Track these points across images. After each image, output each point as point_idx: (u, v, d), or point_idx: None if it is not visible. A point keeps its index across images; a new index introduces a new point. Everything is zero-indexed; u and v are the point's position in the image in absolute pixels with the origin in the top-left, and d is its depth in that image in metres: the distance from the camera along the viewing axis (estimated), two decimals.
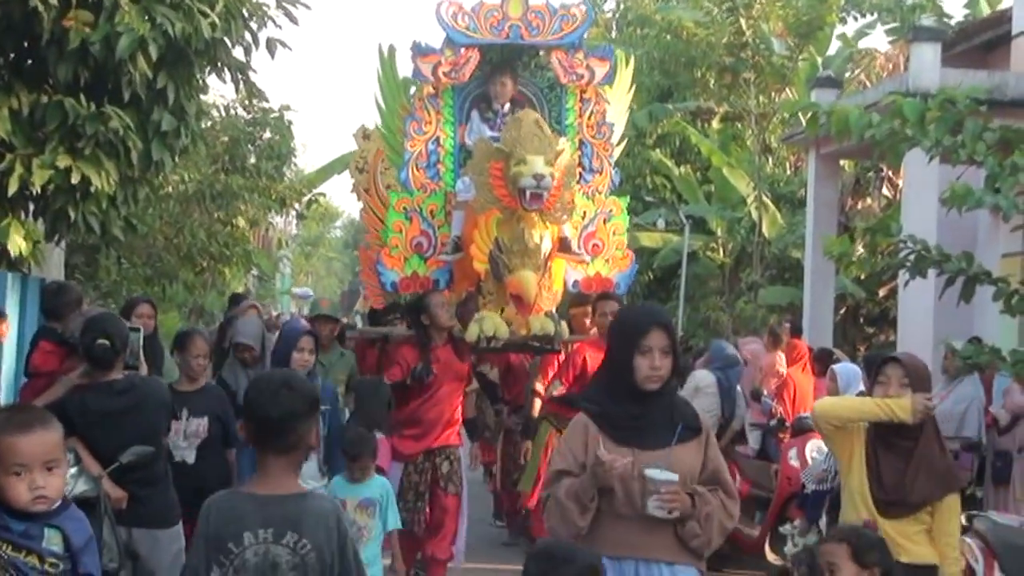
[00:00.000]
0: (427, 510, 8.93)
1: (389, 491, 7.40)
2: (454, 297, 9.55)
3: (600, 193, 9.90)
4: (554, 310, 9.46)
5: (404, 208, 9.61)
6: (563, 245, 9.33)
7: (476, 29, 9.45)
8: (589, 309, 9.96)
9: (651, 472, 4.54)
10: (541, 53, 9.84)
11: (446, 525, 8.93)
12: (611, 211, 9.93)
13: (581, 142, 9.83)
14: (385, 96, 9.96)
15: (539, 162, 8.48)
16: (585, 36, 9.86)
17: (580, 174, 9.66)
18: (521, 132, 8.62)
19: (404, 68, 9.96)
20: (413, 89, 9.98)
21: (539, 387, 9.96)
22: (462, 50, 9.45)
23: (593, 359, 9.25)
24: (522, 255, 8.80)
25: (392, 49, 9.95)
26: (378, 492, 7.30)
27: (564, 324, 9.51)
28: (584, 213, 9.75)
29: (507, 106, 9.65)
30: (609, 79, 9.87)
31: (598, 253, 9.84)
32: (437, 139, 9.66)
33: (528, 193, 8.51)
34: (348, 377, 9.71)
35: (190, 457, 7.37)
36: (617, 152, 10.30)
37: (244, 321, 9.16)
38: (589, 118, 9.84)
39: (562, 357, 9.81)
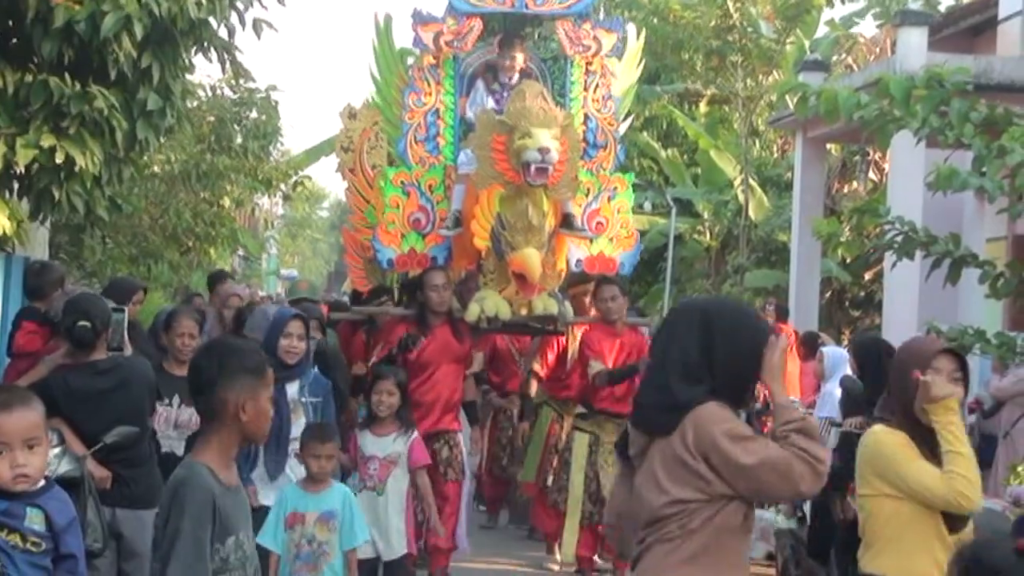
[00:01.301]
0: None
1: (352, 501, 6.64)
2: (452, 275, 9.30)
3: (605, 169, 9.56)
4: (557, 290, 9.22)
5: (402, 182, 9.26)
6: (567, 222, 9.07)
7: None
8: (590, 288, 9.73)
9: None
10: (546, 22, 9.57)
11: (445, 513, 8.55)
12: (616, 188, 9.60)
13: (586, 116, 9.47)
14: (380, 67, 9.66)
15: (544, 135, 8.21)
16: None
17: (584, 149, 9.34)
18: (525, 104, 8.35)
19: (400, 38, 9.81)
20: (411, 59, 9.67)
21: (537, 368, 9.77)
22: (465, 19, 9.10)
23: (604, 342, 9.11)
24: (525, 232, 8.51)
25: (388, 18, 9.67)
26: (340, 503, 6.53)
27: (568, 305, 9.28)
28: (588, 190, 9.43)
29: (515, 78, 9.32)
30: (617, 51, 9.56)
31: (602, 231, 9.53)
32: (437, 111, 9.30)
33: (532, 167, 8.24)
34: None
35: (179, 448, 6.96)
36: (624, 128, 10.02)
37: (258, 312, 8.74)
38: (594, 91, 9.49)
39: (566, 339, 9.60)
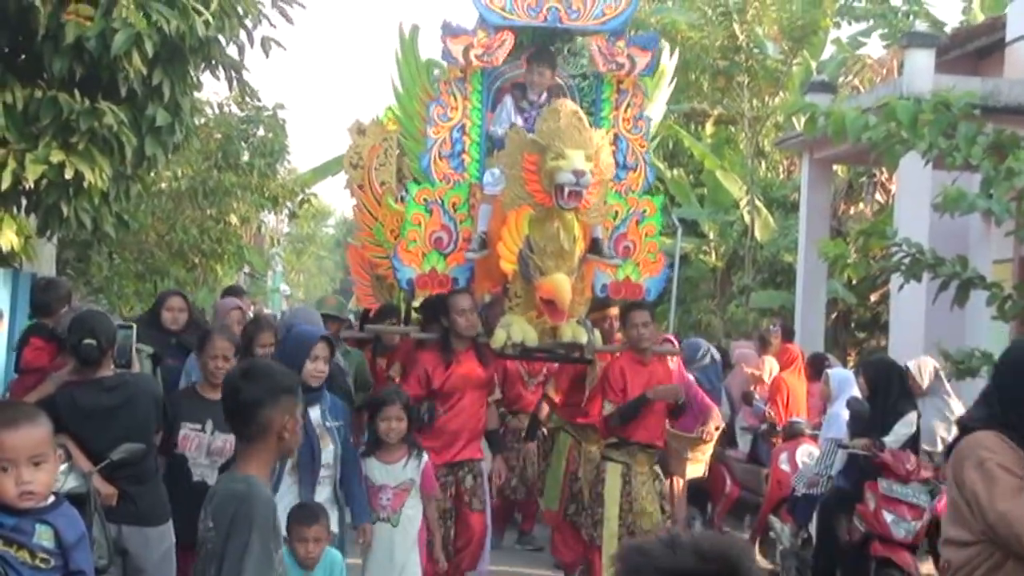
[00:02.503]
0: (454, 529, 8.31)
1: (340, 566, 6.25)
2: (475, 298, 8.85)
3: (634, 192, 9.20)
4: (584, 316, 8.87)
5: (424, 200, 8.87)
6: (595, 247, 8.69)
7: (512, 10, 8.75)
8: (611, 312, 9.46)
9: None
10: (578, 39, 9.20)
11: (472, 544, 8.34)
12: (644, 211, 9.22)
13: (616, 136, 9.11)
14: (404, 78, 9.22)
15: (579, 157, 7.85)
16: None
17: (613, 171, 8.99)
18: (560, 124, 7.97)
19: (424, 50, 9.40)
20: (436, 72, 9.30)
21: (552, 394, 9.51)
22: (495, 32, 8.74)
23: (631, 373, 8.78)
24: (556, 257, 8.17)
25: (415, 28, 9.20)
26: (327, 573, 6.15)
27: (597, 333, 8.92)
28: (616, 213, 9.08)
29: (544, 96, 9.00)
30: (650, 70, 9.19)
31: (628, 256, 9.15)
32: (463, 127, 8.94)
33: (566, 190, 7.89)
34: (354, 378, 9.43)
35: (211, 477, 6.64)
36: (651, 147, 9.63)
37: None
38: (626, 111, 9.14)
39: (594, 369, 9.17)
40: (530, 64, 9.00)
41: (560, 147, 7.90)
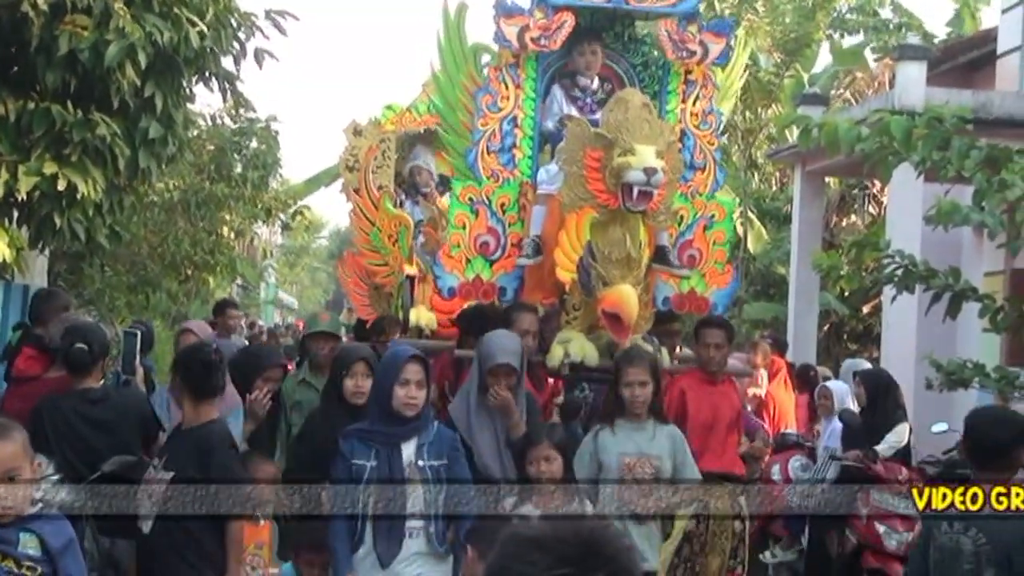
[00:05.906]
0: None
1: None
2: None
3: (701, 194, 8.27)
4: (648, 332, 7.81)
5: (470, 199, 7.93)
6: (660, 255, 7.83)
7: None
8: (672, 328, 8.62)
9: None
10: (638, 23, 8.37)
11: None
12: (713, 216, 8.29)
13: (683, 132, 8.18)
14: (446, 64, 8.22)
15: (650, 153, 6.99)
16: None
17: (682, 170, 8.05)
18: (628, 116, 7.12)
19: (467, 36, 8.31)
20: (486, 58, 8.30)
21: None
22: (554, 13, 7.81)
23: (694, 394, 7.58)
24: (621, 265, 7.28)
25: (463, 7, 8.20)
26: None
27: (665, 351, 7.93)
28: (681, 217, 8.16)
29: (596, 82, 8.13)
30: (723, 59, 8.28)
31: (694, 265, 8.19)
32: (514, 118, 7.99)
33: (635, 190, 7.03)
34: None
35: None
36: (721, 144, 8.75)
37: (497, 335, 6.84)
38: (694, 104, 8.23)
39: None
40: (577, 44, 8.11)
41: (629, 142, 7.05)
